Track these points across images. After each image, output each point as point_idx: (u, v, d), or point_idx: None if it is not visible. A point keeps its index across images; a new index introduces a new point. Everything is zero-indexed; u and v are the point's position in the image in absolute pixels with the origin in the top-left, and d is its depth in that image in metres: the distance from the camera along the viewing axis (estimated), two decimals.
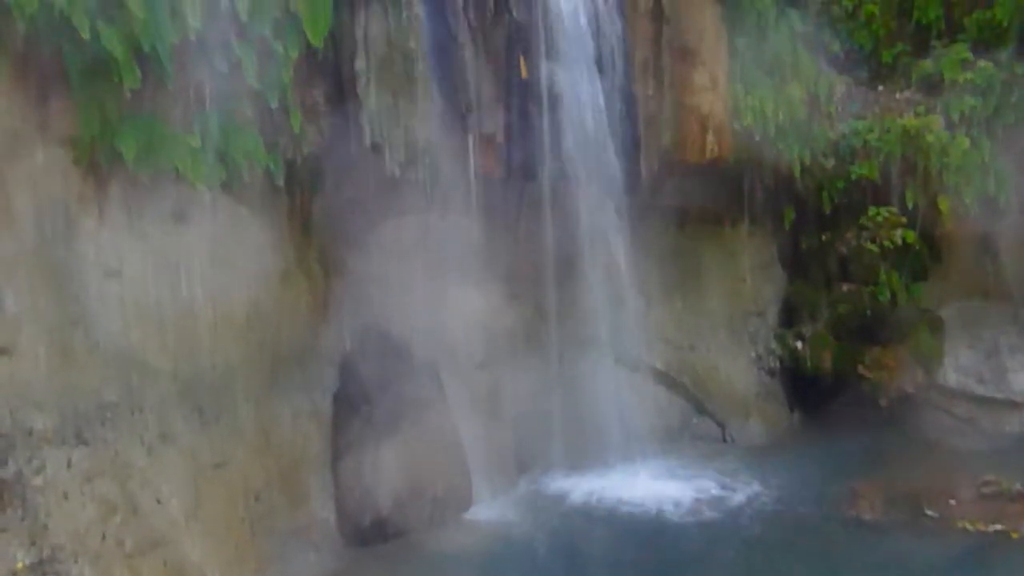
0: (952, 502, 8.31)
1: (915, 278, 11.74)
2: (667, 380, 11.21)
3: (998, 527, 7.89)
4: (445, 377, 8.64)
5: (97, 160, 5.99)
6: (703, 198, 10.96)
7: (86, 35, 5.49)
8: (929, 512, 8.22)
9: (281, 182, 7.09)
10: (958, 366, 11.47)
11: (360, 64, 7.26)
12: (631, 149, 9.69)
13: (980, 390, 11.25)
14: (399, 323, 8.27)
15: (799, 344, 11.95)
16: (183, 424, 6.65)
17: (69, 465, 5.87)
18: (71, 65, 5.69)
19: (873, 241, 11.34)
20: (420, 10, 7.50)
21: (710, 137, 10.24)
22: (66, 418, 5.90)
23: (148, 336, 6.37)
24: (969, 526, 7.95)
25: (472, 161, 7.96)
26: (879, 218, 11.31)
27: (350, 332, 8.21)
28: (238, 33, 6.34)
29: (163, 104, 6.20)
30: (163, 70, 5.97)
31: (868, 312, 11.59)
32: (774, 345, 12.11)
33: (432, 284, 8.13)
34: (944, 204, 11.31)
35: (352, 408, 8.04)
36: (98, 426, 6.10)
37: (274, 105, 6.70)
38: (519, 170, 8.52)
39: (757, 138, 10.78)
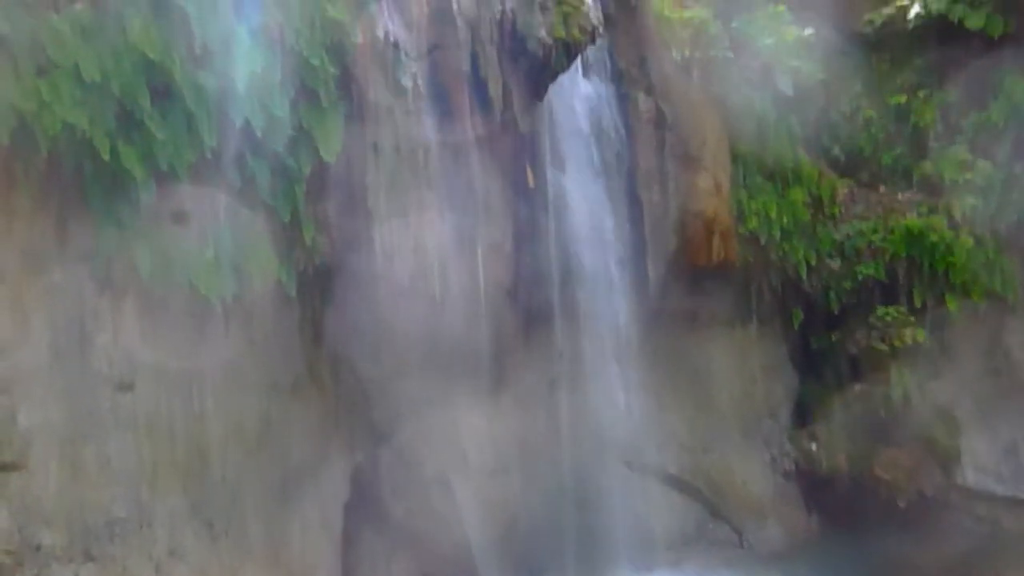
0: None
1: (928, 377, 11.66)
2: (681, 484, 11.04)
3: None
4: (456, 486, 8.55)
5: (113, 275, 6.09)
6: (711, 300, 11.01)
7: (106, 155, 5.66)
8: None
9: (293, 292, 7.16)
10: (976, 465, 11.30)
11: (371, 177, 7.42)
12: (638, 253, 9.81)
13: (1000, 489, 11.06)
14: (410, 433, 8.23)
15: (813, 445, 11.80)
16: (192, 539, 6.57)
17: None
18: (90, 184, 5.85)
19: (883, 340, 11.32)
20: (429, 122, 7.71)
21: (716, 241, 10.36)
22: (74, 534, 5.86)
23: (159, 450, 6.36)
24: None
25: (481, 270, 8.06)
26: (888, 317, 11.32)
27: (361, 442, 8.16)
28: (252, 150, 6.51)
29: (178, 219, 6.33)
30: (179, 186, 6.12)
31: (882, 412, 11.47)
32: (788, 447, 11.96)
33: (443, 393, 8.11)
34: (952, 303, 11.35)
35: (363, 519, 7.94)
36: (106, 542, 6.04)
37: (287, 219, 6.83)
38: (528, 277, 8.61)
39: (762, 241, 10.91)
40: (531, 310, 8.90)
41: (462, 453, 8.69)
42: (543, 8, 8.31)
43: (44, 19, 5.57)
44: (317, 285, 7.53)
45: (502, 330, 8.55)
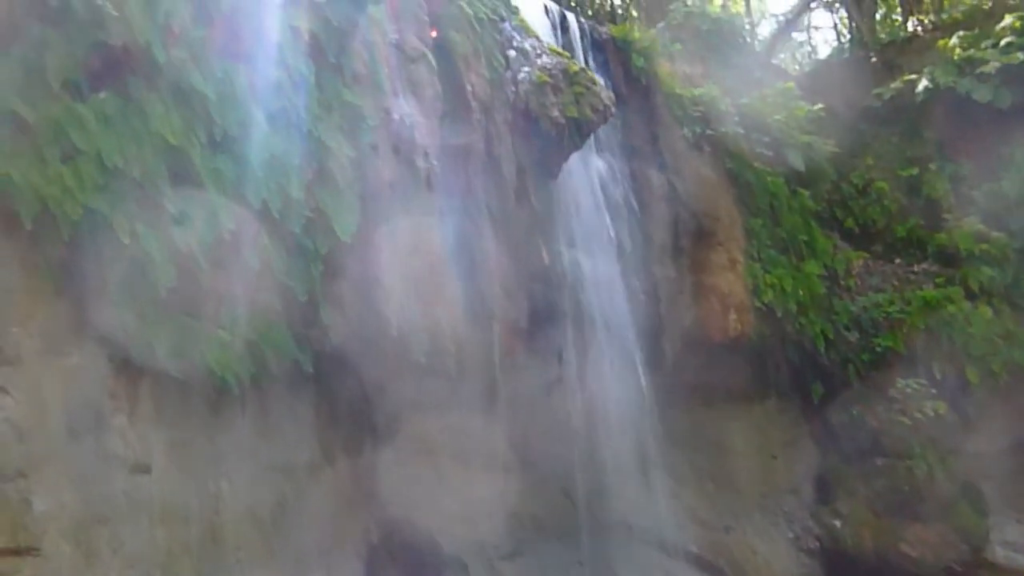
0: None
1: (951, 450, 11.49)
2: (702, 563, 10.81)
3: None
4: (473, 569, 8.41)
5: (130, 358, 6.10)
6: (728, 375, 10.94)
7: (126, 239, 5.72)
8: None
9: (310, 370, 7.15)
10: (1005, 541, 11.06)
11: (386, 254, 7.46)
12: (654, 329, 9.79)
13: None
14: (426, 514, 8.13)
15: (837, 522, 11.58)
16: None
17: None
18: (109, 266, 5.90)
19: (904, 413, 11.19)
20: (442, 200, 7.79)
21: (732, 315, 10.36)
22: None
23: (173, 534, 6.27)
24: None
25: (496, 347, 8.05)
26: (908, 390, 11.22)
27: (377, 524, 8.06)
28: (270, 231, 6.58)
29: (196, 301, 6.37)
30: (198, 267, 6.17)
31: (906, 487, 11.28)
32: (811, 524, 11.74)
33: (458, 473, 8.04)
34: (973, 375, 11.24)
35: None
36: None
37: (303, 299, 6.86)
38: (543, 354, 8.59)
39: (779, 314, 10.89)
40: (547, 386, 8.86)
41: (478, 535, 8.57)
42: (555, 89, 8.47)
43: (69, 107, 5.69)
44: (334, 364, 7.53)
45: (517, 406, 8.49)
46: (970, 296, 11.63)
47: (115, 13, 5.75)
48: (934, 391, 11.17)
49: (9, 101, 5.47)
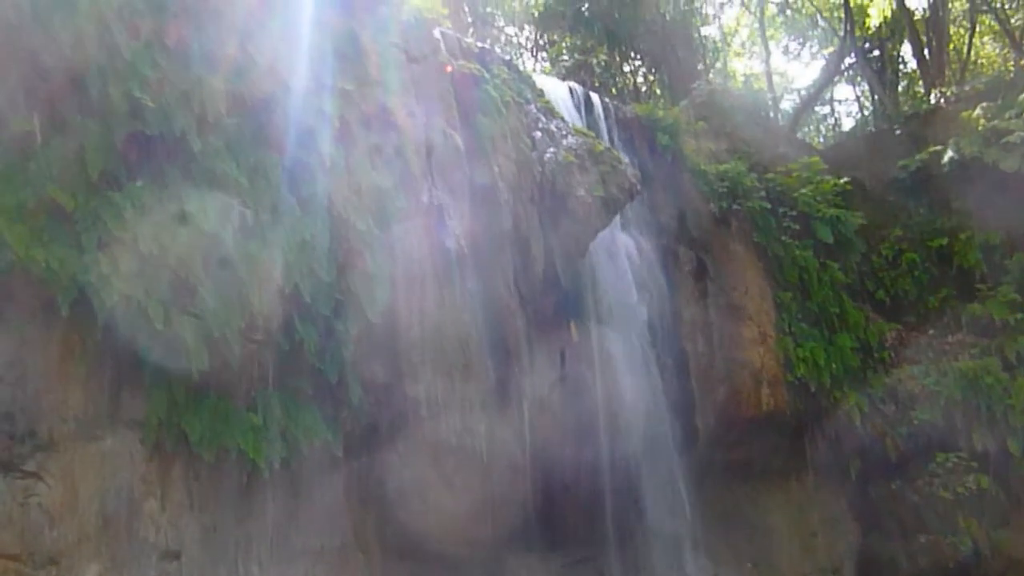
0: None
1: (996, 525, 11.14)
2: None
3: None
4: None
5: (162, 442, 6.12)
6: (764, 451, 10.76)
7: (160, 325, 5.78)
8: None
9: (340, 453, 7.12)
10: None
11: (415, 336, 7.48)
12: (686, 405, 9.69)
13: None
14: None
15: None
16: None
17: None
18: (144, 352, 5.97)
19: (946, 488, 10.90)
20: (474, 283, 7.82)
21: (765, 390, 10.24)
22: None
23: None
24: None
25: (527, 425, 7.99)
26: (948, 463, 10.94)
27: None
28: (301, 314, 6.63)
29: (228, 385, 6.40)
30: (230, 352, 6.21)
31: (951, 564, 10.93)
32: None
33: (493, 557, 7.90)
34: (1015, 446, 10.96)
35: None
36: None
37: (334, 380, 6.88)
38: (574, 432, 8.51)
39: (812, 388, 10.75)
40: (579, 467, 8.74)
41: None
42: (582, 168, 8.56)
43: (106, 195, 5.83)
44: (363, 446, 7.50)
45: (551, 485, 8.40)
46: (1007, 366, 11.42)
47: (152, 104, 5.94)
48: (975, 464, 10.91)
49: (49, 190, 5.63)
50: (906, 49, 18.86)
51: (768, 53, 21.89)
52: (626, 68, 18.64)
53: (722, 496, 10.44)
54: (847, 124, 22.13)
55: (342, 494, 7.49)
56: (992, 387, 11.11)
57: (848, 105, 23.49)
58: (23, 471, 5.62)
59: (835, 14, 20.54)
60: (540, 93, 9.73)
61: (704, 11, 20.97)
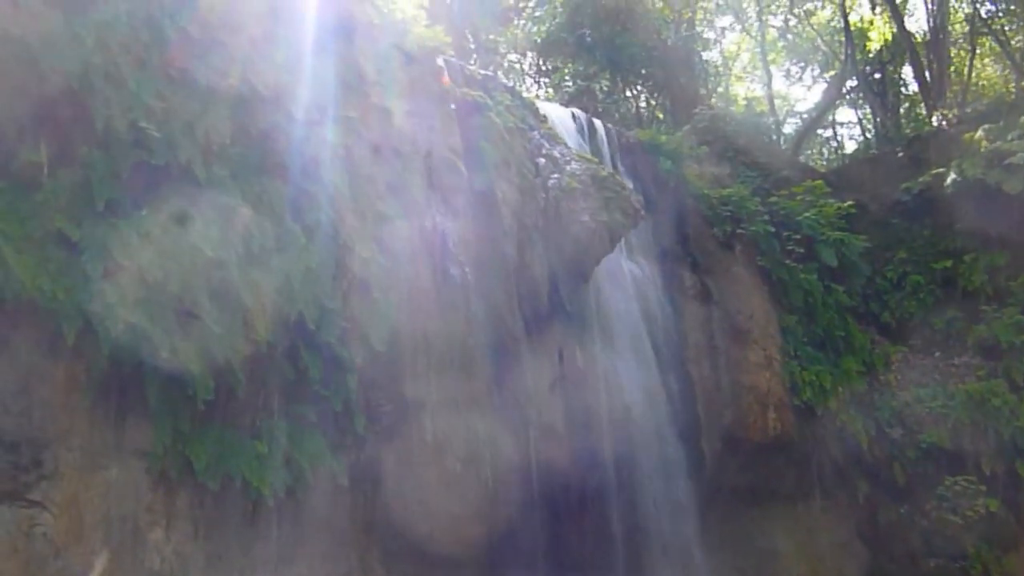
0: None
1: (1006, 549, 11.06)
2: None
3: None
4: None
5: (168, 471, 6.10)
6: (771, 476, 10.71)
7: (165, 353, 5.78)
8: None
9: (345, 482, 7.09)
10: None
11: (421, 364, 7.47)
12: (692, 430, 9.66)
13: None
14: None
15: None
16: None
17: None
18: (149, 381, 5.96)
19: (955, 512, 10.82)
20: (478, 309, 7.82)
21: (771, 414, 10.21)
22: None
23: None
24: None
25: (532, 452, 7.96)
26: (957, 487, 10.87)
27: None
28: (306, 342, 6.63)
29: (233, 413, 6.39)
30: (235, 380, 6.20)
31: None
32: None
33: None
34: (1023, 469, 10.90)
35: None
36: None
37: (339, 408, 6.86)
38: (580, 458, 8.48)
39: (818, 412, 10.72)
40: (585, 491, 8.71)
41: None
42: (585, 194, 8.59)
43: (111, 224, 5.85)
44: (369, 473, 7.47)
45: (556, 511, 8.35)
46: (1014, 388, 11.38)
47: (157, 134, 5.98)
48: (984, 487, 10.84)
49: (56, 220, 5.65)
50: (907, 72, 18.93)
51: (770, 77, 21.98)
52: (628, 94, 18.72)
53: (729, 520, 10.37)
54: (850, 147, 22.16)
55: (348, 522, 7.45)
56: (999, 409, 11.08)
57: (850, 128, 23.52)
58: (28, 500, 5.60)
59: (836, 38, 20.63)
60: (543, 119, 9.79)
61: (705, 36, 21.09)
